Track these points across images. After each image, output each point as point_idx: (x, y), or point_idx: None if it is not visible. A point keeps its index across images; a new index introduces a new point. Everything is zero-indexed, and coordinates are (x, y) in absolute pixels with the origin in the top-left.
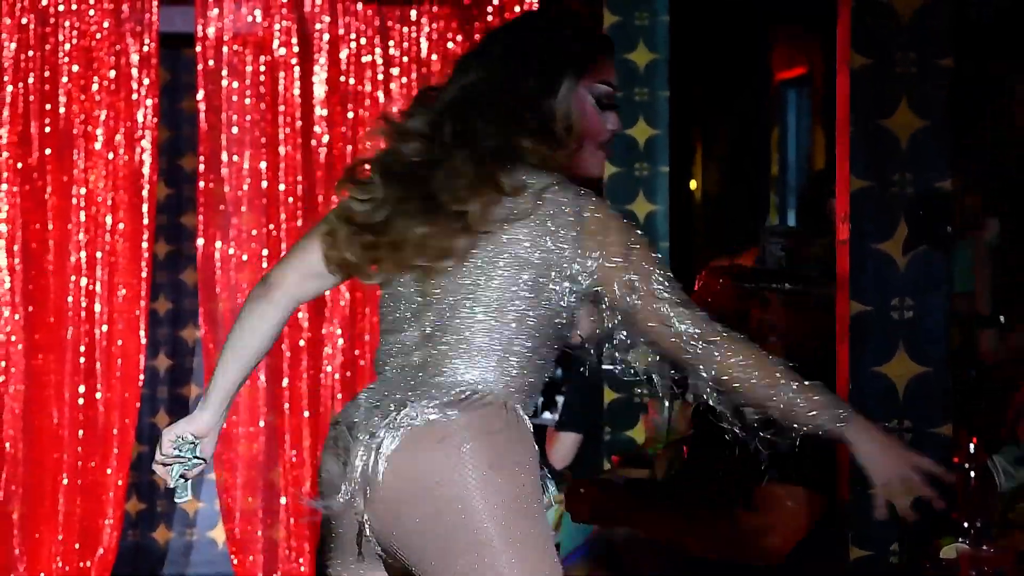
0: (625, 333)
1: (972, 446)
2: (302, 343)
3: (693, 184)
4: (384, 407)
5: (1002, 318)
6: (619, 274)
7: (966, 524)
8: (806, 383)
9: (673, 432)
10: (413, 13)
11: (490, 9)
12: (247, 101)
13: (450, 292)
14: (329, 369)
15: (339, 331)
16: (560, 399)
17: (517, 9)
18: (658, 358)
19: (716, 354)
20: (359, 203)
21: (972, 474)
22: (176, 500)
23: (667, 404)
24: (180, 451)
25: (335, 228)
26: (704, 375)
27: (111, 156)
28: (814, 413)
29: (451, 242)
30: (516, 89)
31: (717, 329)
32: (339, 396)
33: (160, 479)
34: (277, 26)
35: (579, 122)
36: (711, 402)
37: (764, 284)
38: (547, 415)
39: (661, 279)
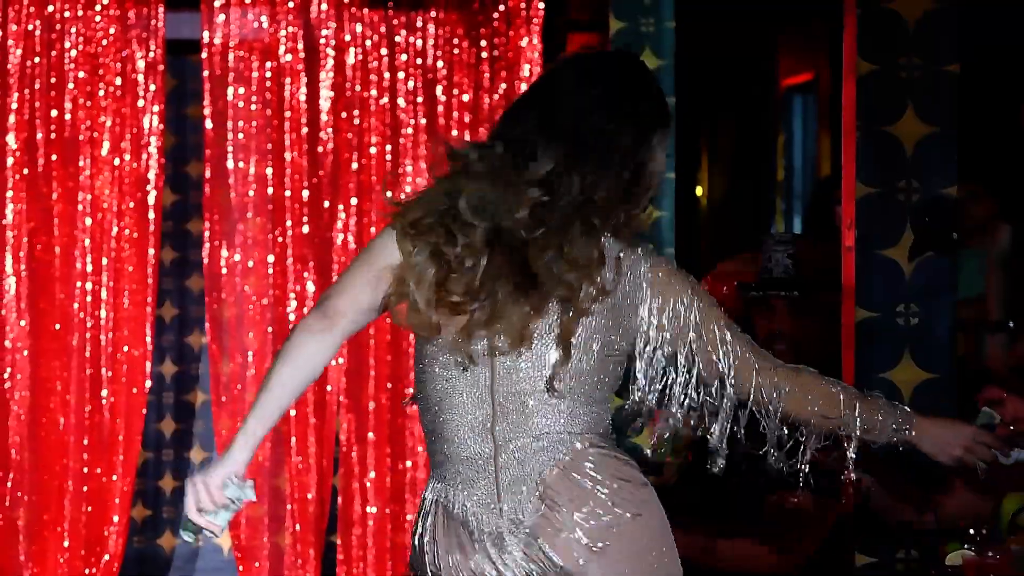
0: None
1: None
2: None
3: (699, 190)
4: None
5: (1011, 324)
6: (688, 321)
7: (972, 531)
8: (867, 400)
9: (679, 439)
10: (419, 19)
11: (496, 15)
12: (253, 107)
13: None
14: (335, 375)
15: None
16: None
17: (523, 13)
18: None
19: (784, 389)
20: (454, 254)
21: None
22: (187, 539)
23: (673, 411)
24: (232, 495)
25: (412, 275)
26: (772, 410)
27: (117, 162)
28: (878, 431)
29: (538, 323)
30: (617, 144)
31: (778, 363)
32: (342, 399)
33: (207, 525)
34: (283, 32)
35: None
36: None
37: (769, 291)
38: None
39: (723, 319)
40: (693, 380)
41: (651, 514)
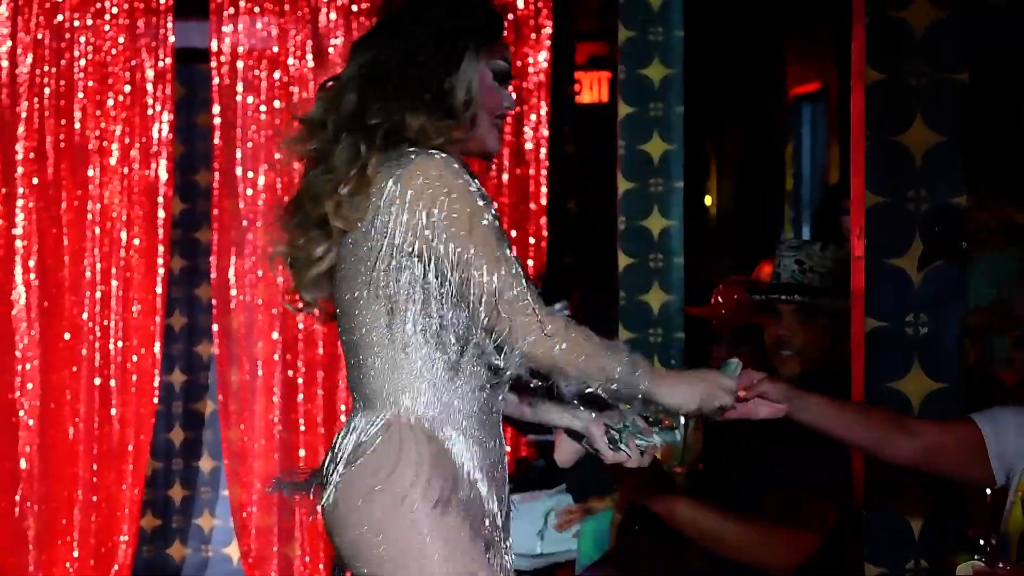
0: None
1: None
2: (317, 358)
3: (708, 199)
4: None
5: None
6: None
7: (982, 541)
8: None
9: (689, 450)
10: None
11: (505, 24)
12: (262, 116)
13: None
14: (344, 384)
15: None
16: None
17: (532, 23)
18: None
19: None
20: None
21: (988, 491)
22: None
23: (682, 422)
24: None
25: None
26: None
27: (126, 171)
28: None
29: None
30: (415, 64)
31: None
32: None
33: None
34: (291, 42)
35: (478, 96)
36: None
37: (775, 296)
38: None
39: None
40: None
41: None
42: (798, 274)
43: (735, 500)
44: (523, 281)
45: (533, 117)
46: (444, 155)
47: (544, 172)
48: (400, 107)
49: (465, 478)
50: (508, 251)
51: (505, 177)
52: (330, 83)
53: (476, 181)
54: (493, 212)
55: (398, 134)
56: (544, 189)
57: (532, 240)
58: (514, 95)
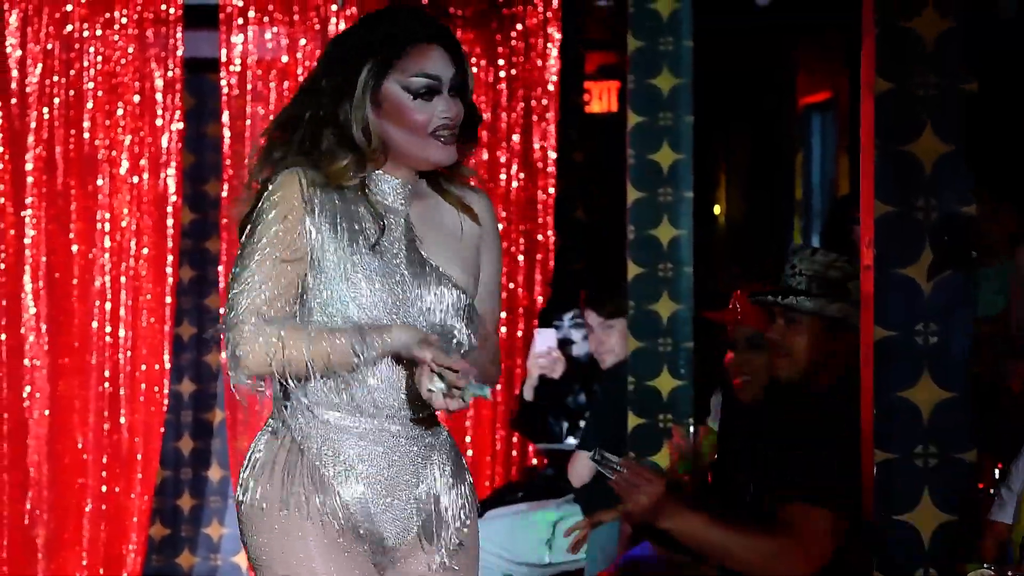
0: None
1: (997, 472)
2: None
3: (717, 209)
4: None
5: None
6: None
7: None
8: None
9: (698, 458)
10: None
11: (514, 35)
12: None
13: None
14: None
15: None
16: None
17: (541, 33)
18: None
19: None
20: None
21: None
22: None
23: (691, 430)
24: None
25: None
26: None
27: (136, 181)
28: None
29: None
30: (322, 97)
31: None
32: None
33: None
34: (301, 52)
35: (385, 119)
36: None
37: (771, 301)
38: (571, 439)
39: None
40: None
41: None
42: (788, 278)
43: (744, 510)
44: (243, 293)
45: (542, 127)
46: (290, 171)
47: (552, 181)
48: (313, 153)
49: (321, 483)
50: (256, 264)
51: (514, 185)
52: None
53: (304, 195)
54: (280, 227)
55: (327, 170)
56: (552, 198)
57: (539, 249)
58: (451, 104)
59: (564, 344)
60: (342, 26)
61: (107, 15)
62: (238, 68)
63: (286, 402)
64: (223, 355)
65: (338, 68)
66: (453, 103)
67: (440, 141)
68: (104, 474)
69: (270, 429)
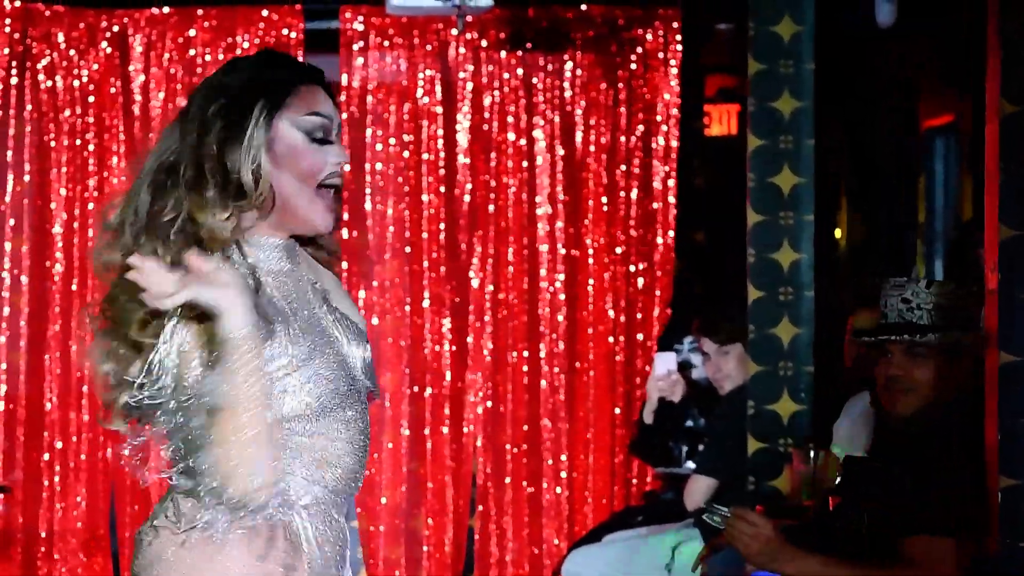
0: None
1: None
2: (444, 391)
3: (838, 233)
4: None
5: None
6: None
7: None
8: None
9: (819, 483)
10: (557, 62)
11: (634, 58)
12: (391, 149)
13: None
14: (471, 417)
15: (481, 379)
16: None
17: (660, 57)
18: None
19: None
20: None
21: None
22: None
23: (812, 454)
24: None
25: None
26: None
27: None
28: None
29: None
30: (198, 145)
31: None
32: (479, 441)
33: None
34: (421, 75)
35: (276, 166)
36: None
37: (885, 337)
38: (690, 463)
39: None
40: None
41: None
42: (905, 312)
43: (862, 541)
44: None
45: (662, 150)
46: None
47: (672, 205)
48: (189, 202)
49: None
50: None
51: (633, 210)
52: (130, 180)
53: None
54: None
55: (193, 234)
56: (672, 222)
57: (659, 273)
58: (342, 152)
59: (684, 367)
60: (462, 50)
61: (229, 40)
62: (358, 91)
63: None
64: None
65: (227, 107)
66: (342, 150)
67: (325, 204)
68: None
69: None
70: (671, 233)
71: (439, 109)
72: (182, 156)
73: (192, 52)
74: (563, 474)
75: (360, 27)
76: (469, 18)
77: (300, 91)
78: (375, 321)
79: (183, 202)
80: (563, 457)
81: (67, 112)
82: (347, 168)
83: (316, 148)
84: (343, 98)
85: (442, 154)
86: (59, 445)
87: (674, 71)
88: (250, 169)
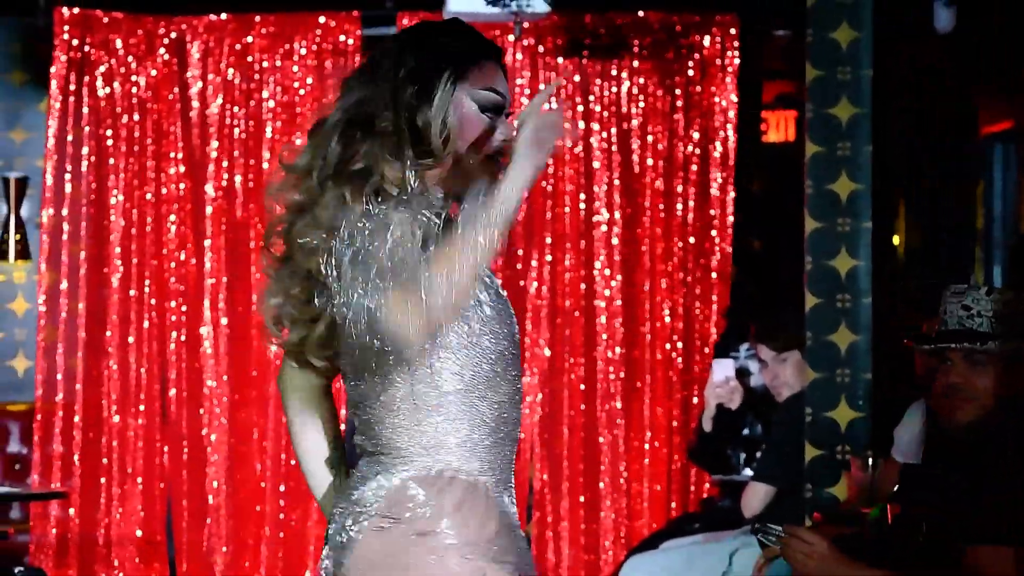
0: None
1: None
2: None
3: (896, 239)
4: None
5: None
6: None
7: None
8: None
9: (877, 491)
10: (614, 68)
11: (691, 64)
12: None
13: None
14: (528, 424)
15: (538, 386)
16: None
17: (718, 64)
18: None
19: None
20: None
21: None
22: None
23: (870, 462)
24: None
25: None
26: None
27: None
28: None
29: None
30: (392, 103)
31: None
32: (536, 450)
33: None
34: None
35: (457, 130)
36: None
37: (945, 345)
38: (747, 471)
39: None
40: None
41: None
42: (966, 320)
43: (921, 550)
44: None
45: (719, 156)
46: (404, 213)
47: (730, 211)
48: (381, 153)
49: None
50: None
51: (690, 217)
52: (316, 128)
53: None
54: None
55: (377, 184)
56: (730, 228)
57: (716, 279)
58: (509, 129)
59: (741, 374)
60: (519, 56)
61: (287, 46)
62: None
63: None
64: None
65: (417, 72)
66: (511, 128)
67: (489, 173)
68: (282, 502)
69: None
70: (728, 240)
71: None
72: (376, 111)
73: (250, 58)
74: (620, 481)
75: None
76: (526, 24)
77: (482, 65)
78: None
79: (372, 154)
80: (620, 464)
81: (125, 119)
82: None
83: (486, 119)
84: None
85: None
86: (117, 451)
87: (732, 77)
88: (439, 131)
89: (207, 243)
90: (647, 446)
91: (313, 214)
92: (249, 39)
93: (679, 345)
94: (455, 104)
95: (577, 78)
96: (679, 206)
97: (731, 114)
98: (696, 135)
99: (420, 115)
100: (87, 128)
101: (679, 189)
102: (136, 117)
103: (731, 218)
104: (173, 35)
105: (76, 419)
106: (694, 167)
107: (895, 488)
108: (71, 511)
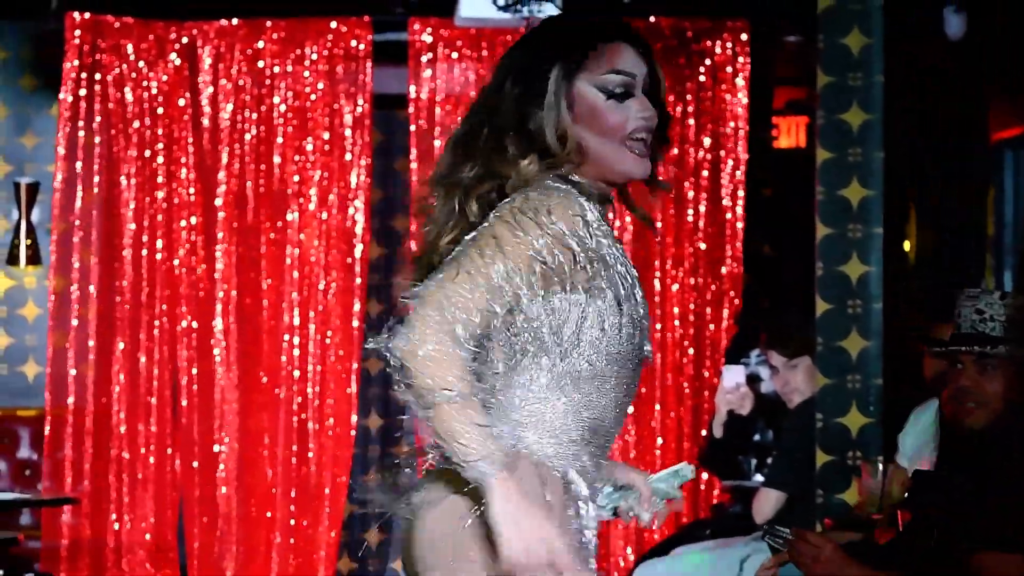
0: None
1: None
2: None
3: (907, 245)
4: None
5: None
6: None
7: None
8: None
9: (887, 497)
10: None
11: (702, 70)
12: None
13: None
14: None
15: None
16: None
17: (729, 69)
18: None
19: None
20: None
21: None
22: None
23: (880, 468)
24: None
25: None
26: None
27: (324, 216)
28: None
29: None
30: (504, 105)
31: None
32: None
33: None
34: None
35: (578, 123)
36: None
37: (957, 348)
38: (758, 477)
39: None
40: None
41: None
42: (979, 324)
43: (936, 555)
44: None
45: (730, 162)
46: (528, 197)
47: (741, 217)
48: (501, 161)
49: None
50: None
51: (701, 223)
52: (451, 140)
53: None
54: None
55: (495, 187)
56: (741, 234)
57: (727, 286)
58: (646, 105)
59: (752, 380)
60: None
61: (298, 51)
62: (426, 103)
63: None
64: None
65: (524, 73)
66: (648, 104)
67: (635, 153)
68: (292, 508)
69: None
70: (739, 245)
71: None
72: (494, 120)
73: (261, 64)
74: None
75: (429, 39)
76: None
77: (600, 50)
78: None
79: (495, 163)
80: None
81: (136, 124)
82: (654, 118)
83: (616, 105)
84: (411, 110)
85: None
86: (127, 457)
87: (743, 83)
88: (554, 130)
89: (218, 248)
90: (658, 451)
91: (449, 225)
92: (260, 44)
93: (690, 351)
94: (577, 98)
95: None
96: (690, 212)
97: (742, 120)
98: (707, 141)
99: (532, 120)
100: (98, 133)
101: (690, 195)
102: (147, 122)
103: (742, 224)
104: (184, 40)
105: (87, 425)
106: (705, 173)
107: (905, 494)
108: (82, 517)
